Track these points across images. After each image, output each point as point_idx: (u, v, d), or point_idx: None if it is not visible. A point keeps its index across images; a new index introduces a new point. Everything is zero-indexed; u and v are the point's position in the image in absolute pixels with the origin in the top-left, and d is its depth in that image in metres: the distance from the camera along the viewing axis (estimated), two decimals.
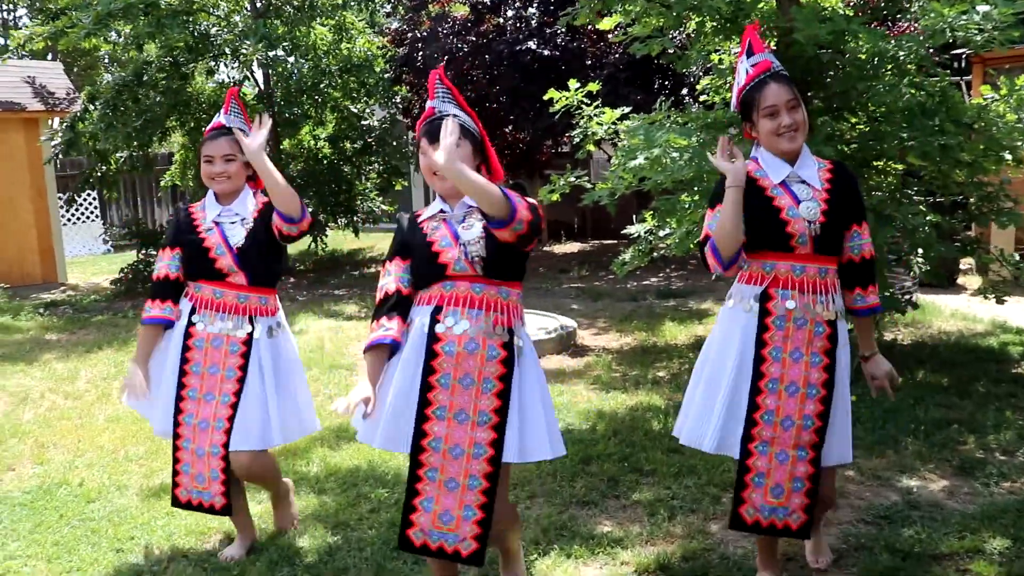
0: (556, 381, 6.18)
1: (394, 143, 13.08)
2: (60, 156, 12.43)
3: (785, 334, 2.97)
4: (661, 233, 6.08)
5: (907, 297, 7.10)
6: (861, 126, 5.91)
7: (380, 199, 14.00)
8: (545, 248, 14.65)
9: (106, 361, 7.46)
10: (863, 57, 5.26)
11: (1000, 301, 5.96)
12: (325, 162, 13.22)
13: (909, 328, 7.33)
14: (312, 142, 13.56)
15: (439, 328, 2.78)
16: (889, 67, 5.24)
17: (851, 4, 6.69)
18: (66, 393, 6.45)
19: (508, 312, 2.80)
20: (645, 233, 6.37)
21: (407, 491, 2.79)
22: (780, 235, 2.95)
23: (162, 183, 15.42)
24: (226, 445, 3.46)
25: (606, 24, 5.91)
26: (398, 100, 13.21)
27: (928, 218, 5.64)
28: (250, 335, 3.51)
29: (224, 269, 3.50)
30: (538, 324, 7.52)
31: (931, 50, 5.06)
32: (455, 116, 2.77)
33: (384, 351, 2.85)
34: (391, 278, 2.88)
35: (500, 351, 2.76)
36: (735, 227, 2.93)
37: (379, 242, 17.08)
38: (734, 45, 6.00)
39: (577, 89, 6.35)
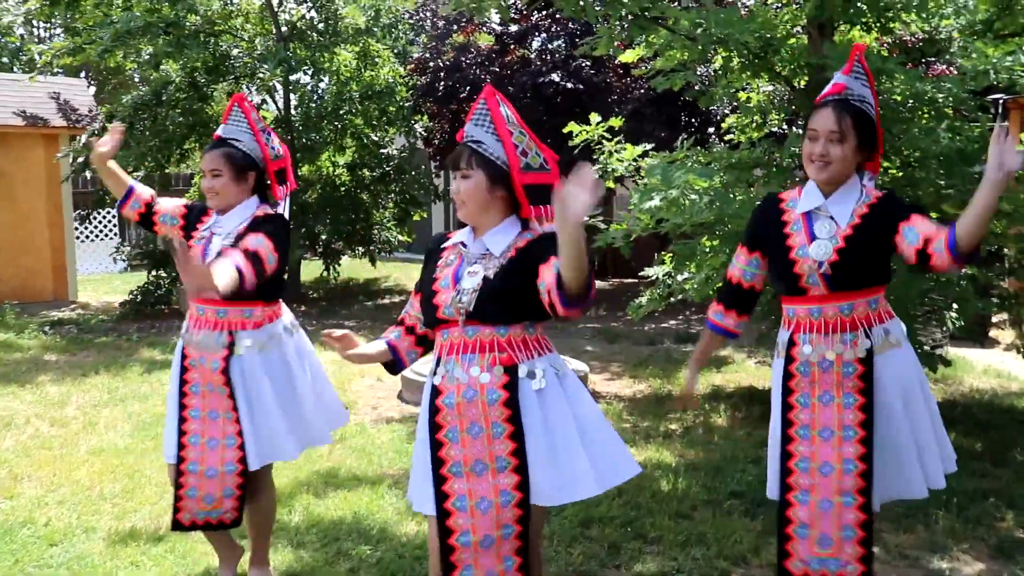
0: None
1: (413, 173, 12.87)
2: (77, 173, 12.34)
3: (811, 379, 2.86)
4: (680, 277, 5.75)
5: (937, 352, 6.72)
6: (894, 171, 5.59)
7: (397, 229, 13.78)
8: None
9: (100, 387, 7.20)
10: (899, 98, 4.94)
11: None
12: (343, 189, 13.03)
13: (939, 385, 6.94)
14: (331, 168, 13.39)
15: (436, 380, 2.62)
16: (926, 110, 4.92)
17: (884, 44, 6.39)
18: (52, 419, 6.19)
19: (511, 349, 2.57)
20: (663, 276, 6.04)
21: (443, 565, 2.58)
22: (789, 275, 2.86)
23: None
24: (242, 460, 3.32)
25: (629, 57, 5.64)
26: (419, 129, 13.01)
27: (964, 270, 5.29)
28: (229, 351, 3.31)
29: None
30: None
31: (972, 93, 4.72)
32: (481, 144, 2.59)
33: (382, 348, 2.84)
34: (410, 304, 2.87)
35: (501, 392, 2.54)
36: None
37: (395, 272, 16.83)
38: (762, 82, 5.71)
39: (599, 123, 6.08)
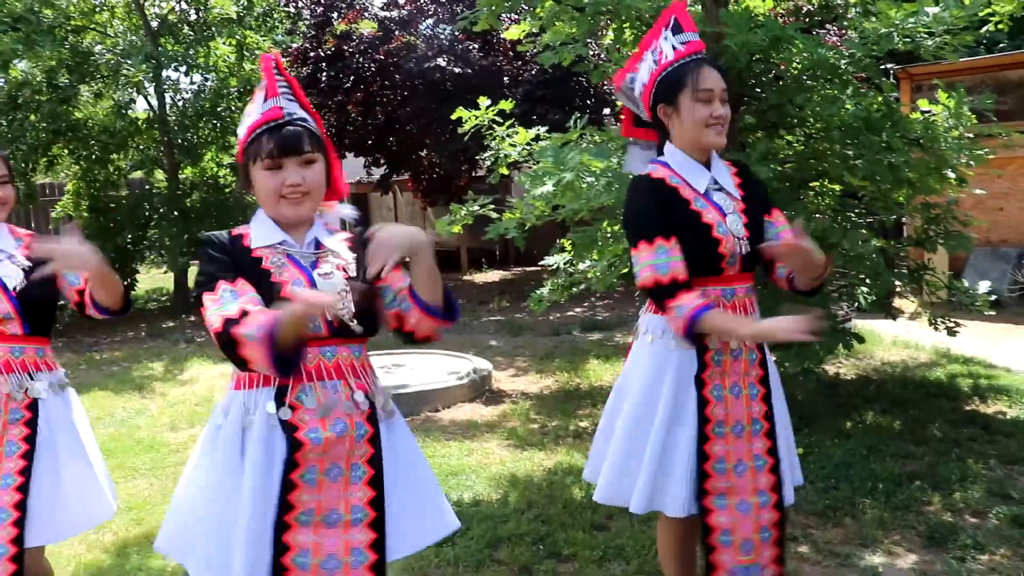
0: (465, 436, 5.45)
1: None
2: None
3: (723, 369, 2.56)
4: (581, 266, 5.41)
5: (847, 327, 6.57)
6: (798, 144, 5.36)
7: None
8: (465, 277, 13.95)
9: None
10: (799, 66, 4.68)
11: (952, 333, 5.42)
12: (228, 191, 12.31)
13: (851, 360, 6.81)
14: (215, 169, 12.65)
15: (286, 414, 2.12)
16: (828, 78, 4.67)
17: (778, 14, 6.16)
18: None
19: (364, 374, 2.21)
20: (565, 264, 5.69)
21: None
22: (713, 257, 2.51)
23: (54, 214, 14.35)
24: (17, 541, 2.63)
25: (514, 33, 5.25)
26: None
27: (874, 243, 5.10)
28: (34, 397, 2.74)
29: None
30: (449, 367, 6.80)
31: (874, 58, 4.49)
32: (307, 122, 2.20)
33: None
34: (228, 302, 2.02)
35: (367, 427, 2.16)
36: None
37: None
38: None
39: (488, 107, 5.68)
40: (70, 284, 2.84)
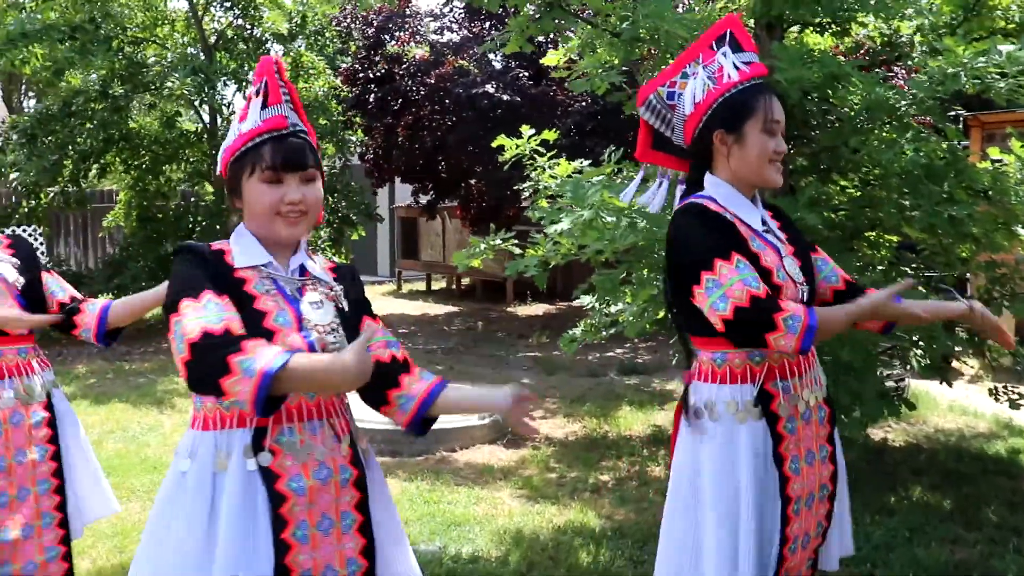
0: (477, 482, 5.12)
1: (347, 191, 12.10)
2: None
3: (798, 437, 2.22)
4: (612, 308, 5.06)
5: (900, 392, 6.09)
6: (852, 190, 4.97)
7: (332, 250, 13.00)
8: (508, 309, 13.64)
9: None
10: (855, 107, 4.31)
11: (1015, 406, 4.95)
12: None
13: (901, 425, 6.32)
14: None
15: (267, 460, 1.87)
16: (887, 120, 4.29)
17: (838, 51, 5.78)
18: None
19: (345, 412, 2.02)
20: (598, 305, 5.34)
21: None
22: None
23: (104, 223, 14.46)
24: (65, 540, 2.81)
25: (552, 59, 4.97)
26: (351, 145, 12.26)
27: (931, 301, 4.66)
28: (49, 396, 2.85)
29: None
30: None
31: (938, 100, 4.10)
32: (306, 135, 2.02)
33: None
34: (212, 314, 1.78)
35: (351, 470, 1.96)
36: None
37: None
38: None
39: (531, 136, 5.39)
40: (52, 294, 2.87)
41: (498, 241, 4.50)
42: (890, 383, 5.33)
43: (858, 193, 4.87)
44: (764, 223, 2.25)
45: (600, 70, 4.51)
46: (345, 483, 1.93)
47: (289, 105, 2.00)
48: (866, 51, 5.32)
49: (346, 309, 2.02)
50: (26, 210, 12.09)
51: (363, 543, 1.95)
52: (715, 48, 2.30)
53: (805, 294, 2.21)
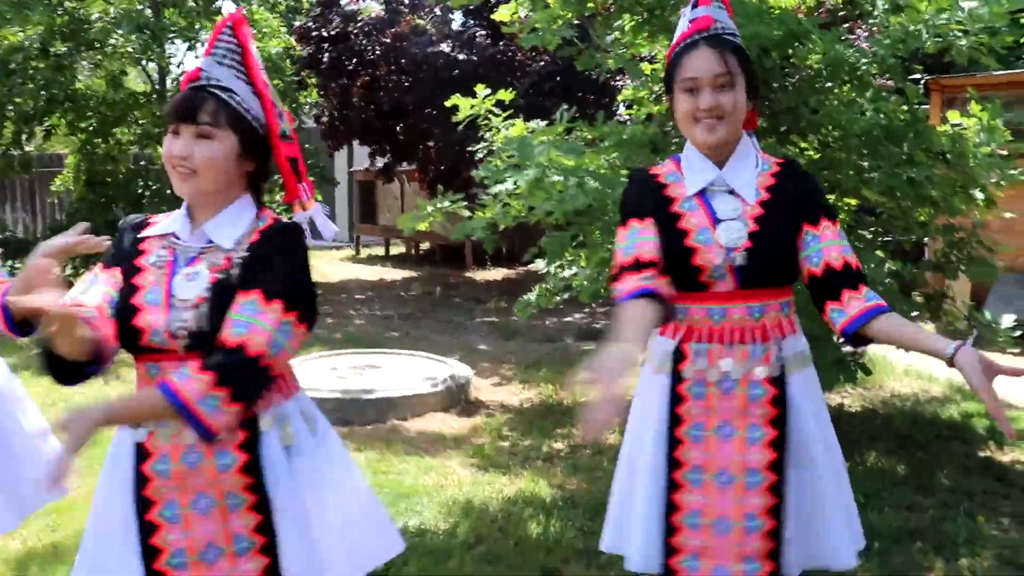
0: (428, 452, 5.00)
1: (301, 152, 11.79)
2: None
3: (707, 404, 2.12)
4: (566, 273, 4.93)
5: (856, 358, 6.06)
6: (811, 152, 4.86)
7: (288, 215, 12.71)
8: (467, 274, 13.49)
9: None
10: (815, 66, 4.19)
11: None
12: None
13: (857, 389, 6.29)
14: None
15: (140, 436, 1.86)
16: (847, 80, 4.18)
17: (800, 10, 5.65)
18: None
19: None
20: (555, 269, 5.21)
21: None
22: (687, 268, 2.10)
23: (52, 187, 14.05)
24: None
25: (504, 14, 4.78)
26: (305, 106, 11.94)
27: (888, 266, 4.60)
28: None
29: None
30: (425, 372, 6.33)
31: (900, 59, 3.99)
32: (231, 94, 1.87)
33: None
34: (87, 289, 1.87)
35: (236, 455, 1.84)
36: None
37: None
38: (662, 46, 4.91)
39: (487, 97, 5.20)
40: None
41: (447, 204, 4.34)
42: (847, 348, 5.27)
43: (817, 155, 4.77)
44: (725, 184, 2.14)
45: (552, 25, 4.34)
46: (225, 468, 1.83)
47: (227, 61, 1.90)
48: (827, 10, 5.19)
49: (234, 281, 1.81)
50: None
51: (258, 519, 1.86)
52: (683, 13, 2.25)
53: (738, 260, 2.07)
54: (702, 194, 2.14)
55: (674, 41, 2.21)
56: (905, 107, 4.38)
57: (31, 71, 10.26)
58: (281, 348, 1.78)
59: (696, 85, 2.08)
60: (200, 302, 1.80)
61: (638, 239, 2.11)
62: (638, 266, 2.07)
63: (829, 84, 4.25)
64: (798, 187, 2.14)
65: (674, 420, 2.12)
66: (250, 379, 1.76)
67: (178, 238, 1.90)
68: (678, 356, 2.13)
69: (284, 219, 1.96)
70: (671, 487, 2.12)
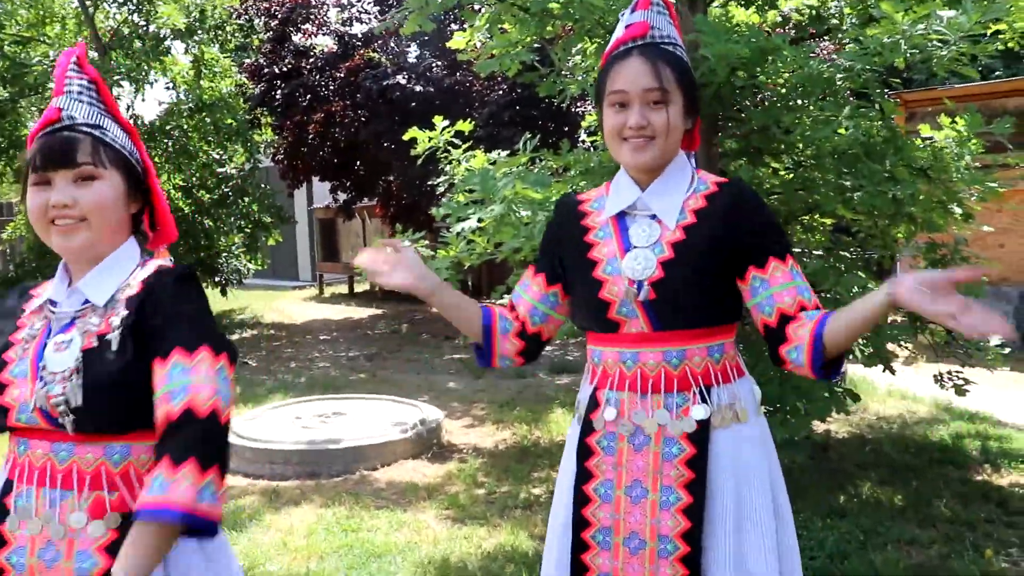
0: (399, 504, 4.71)
1: (257, 194, 11.51)
2: None
3: (617, 459, 1.87)
4: None
5: (841, 385, 5.86)
6: (784, 172, 4.68)
7: (247, 256, 12.40)
8: (433, 309, 13.20)
9: None
10: (789, 83, 4.01)
11: (960, 392, 4.73)
12: (180, 215, 11.57)
13: (842, 414, 6.08)
14: (170, 191, 11.94)
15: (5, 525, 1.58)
16: (822, 96, 4.00)
17: (763, 27, 5.50)
18: None
19: (126, 484, 1.57)
20: None
21: None
22: (594, 303, 1.89)
23: (4, 235, 13.66)
24: None
25: (459, 42, 4.57)
26: (259, 145, 11.66)
27: (871, 287, 4.41)
28: None
29: None
30: (393, 417, 6.05)
31: (876, 72, 3.82)
32: (103, 131, 1.65)
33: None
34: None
35: (97, 558, 1.53)
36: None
37: (253, 302, 15.43)
38: None
39: (445, 128, 4.98)
40: None
41: (406, 243, 4.07)
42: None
43: (791, 176, 4.59)
44: (647, 207, 1.89)
45: (510, 49, 4.12)
46: (83, 573, 1.53)
47: (84, 97, 1.67)
48: (793, 25, 5.04)
49: (114, 347, 1.56)
50: None
51: None
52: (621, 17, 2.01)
53: (646, 292, 1.81)
54: (620, 219, 1.91)
55: (607, 49, 1.96)
56: (881, 122, 4.22)
57: None
58: (228, 397, 1.51)
59: (625, 100, 1.84)
60: (72, 373, 1.53)
61: (519, 290, 2.08)
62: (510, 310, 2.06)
63: (802, 102, 4.07)
64: (737, 212, 1.85)
65: (583, 475, 1.89)
66: (222, 443, 1.49)
67: (54, 304, 1.66)
68: (592, 404, 1.90)
69: (167, 262, 1.70)
70: (579, 547, 1.88)
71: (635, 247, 1.85)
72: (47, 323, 1.64)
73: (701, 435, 1.81)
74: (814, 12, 4.82)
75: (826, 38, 5.10)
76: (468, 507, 4.62)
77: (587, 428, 1.90)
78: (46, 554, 1.53)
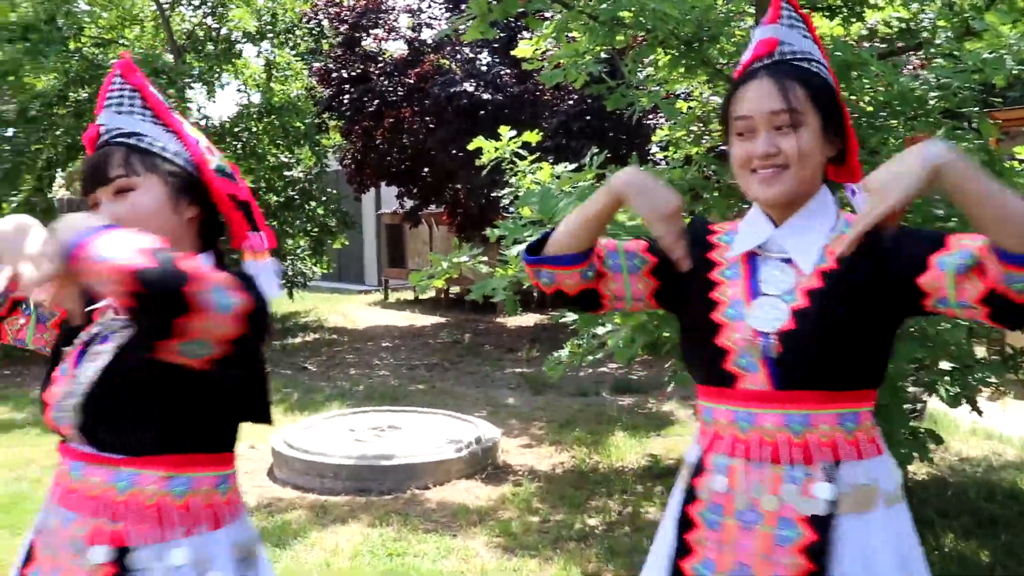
0: (449, 528, 4.53)
1: (323, 197, 11.51)
2: None
3: (721, 537, 1.59)
4: (600, 331, 4.47)
5: (917, 415, 5.51)
6: None
7: (312, 259, 12.42)
8: (497, 319, 13.06)
9: None
10: (877, 100, 3.73)
11: None
12: None
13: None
14: None
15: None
16: (913, 115, 3.71)
17: (847, 39, 5.20)
18: None
19: (129, 515, 1.44)
20: (586, 326, 4.74)
21: None
22: (709, 349, 1.63)
23: None
24: None
25: (526, 50, 4.39)
26: (329, 148, 11.68)
27: (961, 323, 4.09)
28: None
29: None
30: (449, 434, 5.87)
31: (975, 89, 3.53)
32: (139, 137, 1.56)
33: None
34: None
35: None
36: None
37: (320, 304, 15.46)
38: (700, 82, 4.48)
39: (512, 138, 4.81)
40: None
41: (464, 259, 3.91)
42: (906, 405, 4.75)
43: None
44: (776, 247, 1.65)
45: (577, 59, 3.92)
46: None
47: (123, 109, 1.61)
48: (882, 39, 4.73)
49: (119, 359, 1.49)
50: None
51: None
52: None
53: (773, 346, 1.56)
54: (751, 259, 1.67)
55: (735, 71, 1.75)
56: (976, 144, 3.90)
57: (52, 118, 10.13)
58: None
59: (750, 126, 1.61)
60: (89, 391, 1.46)
61: (623, 250, 1.75)
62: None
63: (892, 122, 3.78)
64: (882, 251, 1.55)
65: (682, 550, 1.64)
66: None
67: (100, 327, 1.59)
68: (697, 469, 1.66)
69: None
70: None
71: (765, 293, 1.62)
72: (100, 329, 1.57)
73: (824, 520, 1.54)
74: (904, 23, 4.52)
75: (916, 53, 4.78)
76: (520, 536, 4.42)
77: (690, 496, 1.65)
78: None
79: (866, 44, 4.95)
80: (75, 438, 1.47)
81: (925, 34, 4.51)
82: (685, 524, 1.64)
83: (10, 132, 9.98)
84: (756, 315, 1.59)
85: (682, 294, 1.72)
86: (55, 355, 1.59)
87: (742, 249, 1.67)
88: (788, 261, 1.64)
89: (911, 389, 5.60)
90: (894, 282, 1.55)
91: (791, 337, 1.56)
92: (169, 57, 10.50)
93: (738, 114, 1.63)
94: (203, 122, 10.64)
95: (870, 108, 3.96)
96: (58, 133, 10.26)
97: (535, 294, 14.52)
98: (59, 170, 10.98)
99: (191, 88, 10.10)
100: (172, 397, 1.43)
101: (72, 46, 9.49)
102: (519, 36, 9.46)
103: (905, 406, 4.54)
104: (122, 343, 1.48)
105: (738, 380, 1.59)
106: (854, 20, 4.57)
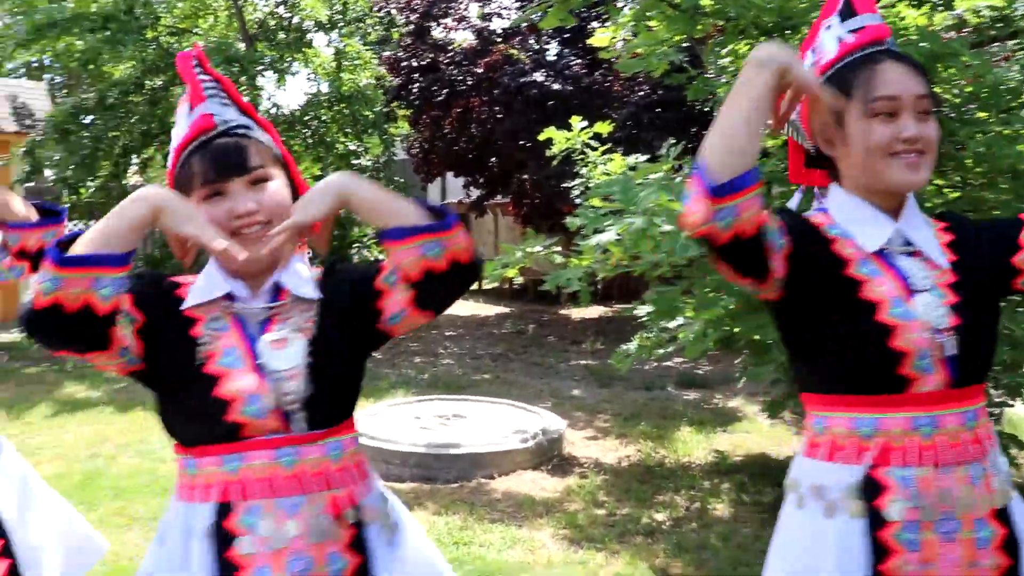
0: (515, 519, 4.53)
1: (391, 186, 11.60)
2: (21, 183, 11.20)
3: (924, 556, 1.48)
4: (671, 324, 4.42)
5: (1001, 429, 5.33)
6: (950, 191, 4.25)
7: (379, 247, 12.53)
8: (561, 311, 13.02)
9: None
10: (966, 92, 3.61)
11: None
12: None
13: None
14: (310, 181, 12.20)
15: (235, 546, 1.47)
16: (1008, 108, 3.58)
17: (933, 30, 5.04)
18: None
19: (352, 479, 1.56)
20: (656, 320, 4.69)
21: None
22: (882, 355, 1.52)
23: None
24: None
25: (602, 39, 4.34)
26: (397, 137, 11.75)
27: None
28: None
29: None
30: (514, 424, 5.87)
31: None
32: (251, 131, 1.60)
33: None
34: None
35: (345, 558, 1.50)
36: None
37: None
38: None
39: (583, 129, 4.78)
40: None
41: (538, 248, 3.89)
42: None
43: (958, 194, 4.16)
44: (906, 241, 1.60)
45: (656, 48, 3.86)
46: (336, 573, 1.49)
47: (220, 100, 1.61)
48: (973, 29, 4.58)
49: (319, 342, 1.55)
50: (67, 205, 11.90)
51: None
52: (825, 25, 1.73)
53: (949, 347, 1.52)
54: (882, 255, 1.59)
55: (823, 58, 1.68)
56: None
57: (128, 105, 10.37)
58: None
59: (897, 108, 1.55)
60: (300, 371, 1.54)
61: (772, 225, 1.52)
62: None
63: (983, 114, 3.65)
64: (977, 238, 1.64)
65: None
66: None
67: (234, 299, 1.63)
68: (872, 488, 1.52)
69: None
70: None
71: (919, 289, 1.56)
72: (233, 317, 1.56)
73: (1004, 512, 1.53)
74: (998, 12, 4.36)
75: (1008, 43, 4.62)
76: (586, 528, 4.40)
77: (877, 520, 1.50)
78: (295, 566, 1.47)
79: (952, 34, 4.80)
80: (278, 428, 1.49)
81: (1021, 23, 4.35)
82: (880, 554, 1.50)
83: (89, 119, 10.23)
84: (925, 312, 1.53)
85: (809, 287, 1.57)
86: (182, 356, 1.51)
87: (878, 243, 1.59)
88: (911, 255, 1.60)
89: (992, 391, 5.44)
90: (998, 266, 1.61)
91: (960, 332, 1.53)
92: (241, 46, 10.67)
93: (884, 93, 1.56)
94: (273, 110, 10.79)
95: (957, 100, 3.85)
96: (133, 120, 10.50)
97: (587, 302, 14.49)
98: (134, 156, 11.23)
99: (263, 76, 10.24)
100: (361, 365, 1.61)
101: (149, 35, 9.69)
102: (588, 26, 9.40)
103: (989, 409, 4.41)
104: (316, 320, 1.56)
105: (912, 383, 1.52)
106: (941, 8, 4.43)
